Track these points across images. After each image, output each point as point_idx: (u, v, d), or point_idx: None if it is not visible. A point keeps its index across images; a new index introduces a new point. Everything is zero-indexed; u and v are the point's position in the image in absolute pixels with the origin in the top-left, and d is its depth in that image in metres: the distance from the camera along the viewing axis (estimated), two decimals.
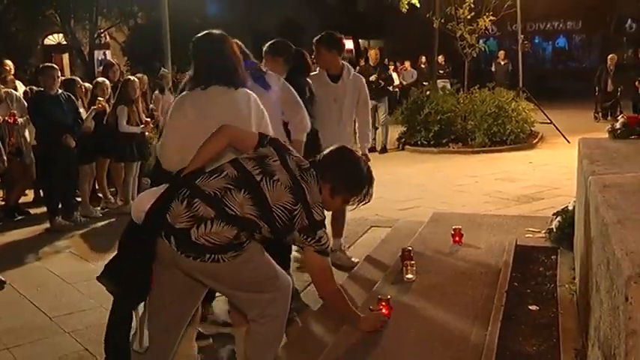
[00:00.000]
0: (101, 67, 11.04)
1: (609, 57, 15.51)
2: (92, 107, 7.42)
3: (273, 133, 3.18)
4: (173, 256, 2.53)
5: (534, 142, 11.78)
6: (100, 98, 7.44)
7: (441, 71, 17.03)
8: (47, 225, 6.88)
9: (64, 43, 20.80)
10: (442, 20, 12.55)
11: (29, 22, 18.72)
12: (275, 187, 2.58)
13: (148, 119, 7.75)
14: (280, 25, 18.98)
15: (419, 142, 11.75)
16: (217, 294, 3.75)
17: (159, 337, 2.69)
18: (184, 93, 3.23)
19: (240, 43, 3.96)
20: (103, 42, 21.31)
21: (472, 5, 11.86)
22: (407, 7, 12.59)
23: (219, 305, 4.12)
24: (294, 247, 3.99)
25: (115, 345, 2.61)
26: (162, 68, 10.25)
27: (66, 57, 22.02)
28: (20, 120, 7.01)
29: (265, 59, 4.41)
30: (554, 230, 4.50)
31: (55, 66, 7.22)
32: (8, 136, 7.00)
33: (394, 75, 14.90)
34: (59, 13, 19.05)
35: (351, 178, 2.78)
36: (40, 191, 7.97)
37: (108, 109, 7.45)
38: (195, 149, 2.88)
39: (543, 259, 4.33)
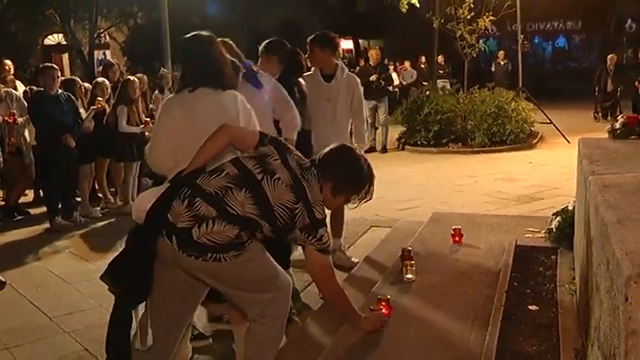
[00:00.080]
0: (101, 67, 11.04)
1: (609, 57, 15.52)
2: (91, 107, 7.42)
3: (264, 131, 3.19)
4: (174, 255, 2.54)
5: (534, 142, 11.78)
6: (99, 98, 7.44)
7: (441, 71, 17.04)
8: (47, 225, 6.88)
9: (64, 43, 20.81)
10: (442, 20, 12.55)
11: (29, 22, 18.73)
12: (276, 185, 2.58)
13: (148, 119, 7.74)
14: (280, 25, 18.95)
15: (419, 142, 11.75)
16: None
17: (160, 336, 2.69)
18: (172, 95, 3.25)
19: (231, 42, 4.03)
20: (102, 42, 21.32)
21: (472, 5, 11.86)
22: (407, 7, 12.59)
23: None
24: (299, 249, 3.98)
25: (116, 345, 2.61)
26: (162, 68, 10.23)
27: (66, 57, 22.03)
28: (20, 120, 7.02)
29: (261, 58, 4.49)
30: (554, 230, 4.50)
31: (55, 66, 7.22)
32: (8, 136, 7.01)
33: (394, 75, 14.91)
34: (59, 13, 19.05)
35: (352, 177, 2.78)
36: (40, 191, 7.97)
37: (107, 109, 7.45)
38: (186, 151, 2.91)
39: (543, 259, 4.33)
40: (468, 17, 11.93)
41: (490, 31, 16.18)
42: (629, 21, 27.01)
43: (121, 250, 2.67)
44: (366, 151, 12.77)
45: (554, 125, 12.09)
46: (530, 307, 3.53)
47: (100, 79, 7.87)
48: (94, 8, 19.29)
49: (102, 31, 20.30)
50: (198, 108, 3.07)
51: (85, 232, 6.80)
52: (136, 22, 20.26)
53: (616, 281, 1.83)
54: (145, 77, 9.49)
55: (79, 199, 7.49)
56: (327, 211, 2.85)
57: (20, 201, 7.75)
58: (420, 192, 7.99)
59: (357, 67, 16.09)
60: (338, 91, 4.97)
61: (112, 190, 8.07)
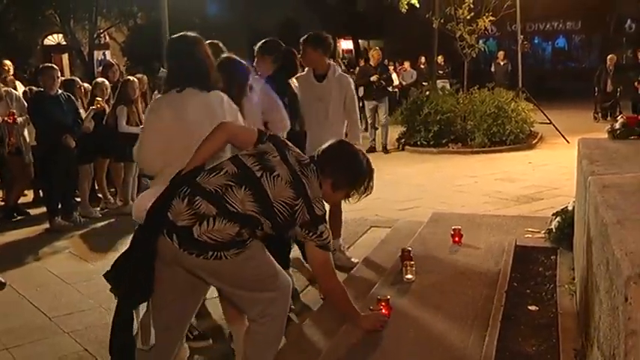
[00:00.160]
0: (101, 68, 11.03)
1: (609, 57, 15.52)
2: (91, 107, 7.42)
3: None
4: (175, 253, 2.54)
5: (534, 142, 11.78)
6: (98, 98, 7.43)
7: (441, 71, 17.04)
8: (47, 225, 6.88)
9: (64, 43, 20.83)
10: (442, 20, 12.54)
11: (29, 22, 18.74)
12: (275, 182, 2.59)
13: None
14: (280, 25, 18.98)
15: (418, 143, 11.75)
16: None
17: (161, 335, 2.70)
18: (159, 95, 3.25)
19: (220, 44, 4.12)
20: (102, 42, 21.34)
21: (472, 5, 11.85)
22: (406, 7, 12.58)
23: None
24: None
25: (120, 345, 2.62)
26: (162, 68, 10.20)
27: (65, 57, 22.04)
28: (19, 119, 7.02)
29: (256, 57, 4.57)
30: (554, 230, 4.50)
31: (54, 66, 7.21)
32: (8, 136, 7.01)
33: (394, 75, 14.90)
34: (59, 14, 19.07)
35: (352, 172, 2.79)
36: (40, 191, 7.97)
37: (107, 110, 7.45)
38: (175, 152, 2.95)
39: (543, 259, 4.33)
40: (468, 17, 11.92)
41: (490, 31, 16.17)
42: (628, 21, 27.01)
43: (123, 250, 2.67)
44: (365, 151, 12.77)
45: (553, 125, 12.09)
46: (529, 308, 3.53)
47: (99, 80, 7.87)
48: (94, 8, 19.30)
49: (102, 31, 20.32)
50: (188, 108, 3.08)
51: (84, 233, 6.80)
52: (135, 23, 20.27)
53: (616, 281, 1.83)
54: (145, 77, 9.49)
55: (78, 200, 7.49)
56: (326, 210, 2.86)
57: (20, 201, 7.75)
58: (420, 192, 7.99)
59: (357, 68, 16.11)
60: (330, 91, 4.97)
61: (111, 190, 8.07)
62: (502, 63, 18.38)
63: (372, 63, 12.03)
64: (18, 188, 7.55)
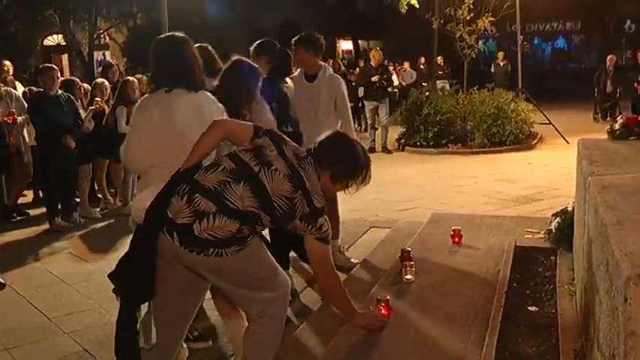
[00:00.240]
0: (100, 68, 11.04)
1: (608, 58, 15.52)
2: (90, 108, 7.41)
3: None
4: (176, 251, 2.55)
5: (533, 142, 11.78)
6: (97, 99, 7.43)
7: (440, 72, 17.04)
8: (46, 226, 6.88)
9: (64, 43, 20.82)
10: (441, 21, 12.55)
11: (29, 23, 18.75)
12: (273, 176, 2.60)
13: None
14: (280, 25, 18.97)
15: (418, 143, 11.75)
16: None
17: (162, 333, 2.71)
18: (147, 95, 3.25)
19: (208, 46, 4.15)
20: (102, 43, 21.35)
21: (471, 6, 11.85)
22: (406, 7, 12.58)
23: None
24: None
25: (125, 346, 2.62)
26: None
27: (65, 58, 22.03)
28: (19, 119, 7.02)
29: (252, 58, 4.54)
30: (554, 231, 4.50)
31: (54, 67, 7.21)
32: (8, 136, 7.01)
33: (393, 76, 14.91)
34: (59, 14, 19.07)
35: (350, 163, 2.80)
36: (40, 192, 7.97)
37: (106, 110, 7.44)
38: (164, 152, 2.98)
39: (542, 259, 4.33)
40: (468, 18, 11.93)
41: (489, 31, 16.20)
42: (628, 22, 27.03)
43: (124, 250, 2.68)
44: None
45: (553, 126, 12.09)
46: (529, 308, 3.53)
47: (99, 80, 7.87)
48: (94, 9, 19.31)
49: (101, 31, 20.33)
50: (176, 108, 3.09)
51: (84, 233, 6.80)
52: (135, 23, 20.27)
53: (615, 282, 1.83)
54: (145, 78, 9.45)
55: (78, 200, 7.49)
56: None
57: (20, 202, 7.75)
58: (420, 193, 7.99)
59: (357, 68, 16.11)
60: (319, 91, 4.98)
61: (111, 190, 8.07)
62: (502, 63, 18.38)
63: (372, 63, 12.03)
64: (17, 188, 7.55)
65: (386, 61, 13.23)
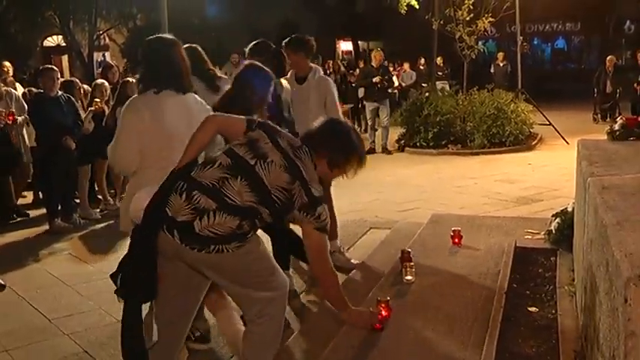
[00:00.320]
0: (100, 69, 11.04)
1: (608, 58, 15.52)
2: (89, 109, 7.41)
3: None
4: (177, 249, 2.55)
5: (533, 143, 11.78)
6: (96, 100, 7.43)
7: (440, 73, 17.04)
8: (46, 227, 6.88)
9: (64, 44, 20.82)
10: (441, 22, 12.54)
11: (28, 24, 18.75)
12: (270, 168, 2.60)
13: None
14: (280, 26, 18.97)
15: (418, 144, 11.75)
16: None
17: (164, 331, 2.72)
18: (135, 96, 3.26)
19: (198, 48, 4.21)
20: (102, 44, 21.34)
21: (471, 7, 11.85)
22: (406, 8, 12.59)
23: None
24: None
25: (131, 346, 2.63)
26: None
27: (65, 59, 22.04)
28: (19, 119, 7.02)
29: (247, 59, 4.59)
30: (554, 232, 4.50)
31: (54, 68, 7.21)
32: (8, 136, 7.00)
33: (393, 77, 14.91)
34: (58, 15, 19.06)
35: (346, 149, 2.81)
36: (40, 193, 7.97)
37: (106, 111, 7.44)
38: (152, 153, 3.02)
39: (542, 260, 4.33)
40: (467, 19, 11.93)
41: (489, 32, 16.21)
42: (627, 22, 27.04)
43: (124, 251, 2.68)
44: (365, 153, 12.66)
45: (553, 127, 12.09)
46: (529, 309, 3.53)
47: (99, 81, 7.87)
48: (94, 10, 19.30)
49: (101, 32, 20.32)
50: (165, 109, 3.11)
51: (84, 234, 6.80)
52: (135, 24, 20.27)
53: (615, 283, 1.83)
54: None
55: (78, 201, 7.49)
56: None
57: (19, 203, 7.75)
58: (420, 193, 7.99)
59: (357, 69, 16.10)
60: (308, 92, 5.01)
61: (111, 191, 8.07)
62: (501, 64, 18.38)
63: (373, 64, 12.02)
64: (16, 189, 7.55)
65: (385, 61, 13.22)
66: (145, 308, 2.68)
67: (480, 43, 12.68)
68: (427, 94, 12.98)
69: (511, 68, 17.75)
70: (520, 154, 10.92)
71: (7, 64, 8.41)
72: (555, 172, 8.76)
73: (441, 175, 9.42)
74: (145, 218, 2.59)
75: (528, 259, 4.35)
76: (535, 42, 29.59)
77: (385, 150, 11.68)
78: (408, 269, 3.88)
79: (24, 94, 7.84)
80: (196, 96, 3.29)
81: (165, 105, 3.10)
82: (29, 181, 7.98)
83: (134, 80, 7.79)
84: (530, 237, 4.80)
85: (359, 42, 28.04)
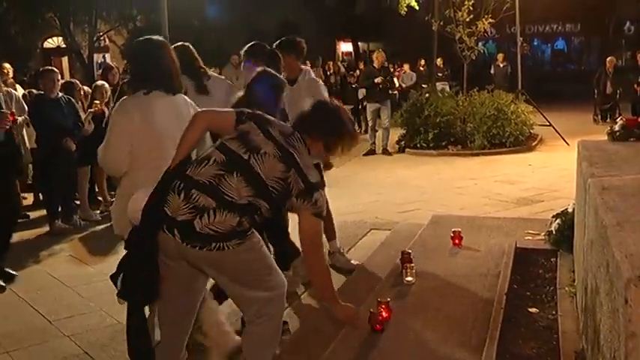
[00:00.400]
0: (100, 70, 11.04)
1: (608, 59, 15.52)
2: (89, 110, 7.41)
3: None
4: (178, 248, 2.56)
5: (533, 144, 11.78)
6: (96, 101, 7.43)
7: (440, 74, 17.04)
8: (47, 228, 6.88)
9: (64, 46, 20.79)
10: (441, 23, 12.56)
11: (28, 25, 18.72)
12: (264, 160, 2.61)
13: None
14: (279, 27, 18.96)
15: (418, 145, 11.74)
16: None
17: (167, 330, 2.73)
18: (125, 97, 3.27)
19: (190, 46, 4.22)
20: (102, 45, 21.30)
21: (471, 8, 11.85)
22: (406, 9, 12.60)
23: None
24: None
25: (137, 347, 2.64)
26: None
27: (65, 60, 22.03)
28: (19, 119, 7.02)
29: (242, 61, 4.74)
30: (554, 232, 4.51)
31: (55, 69, 7.21)
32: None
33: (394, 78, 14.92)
34: (59, 16, 19.04)
35: (339, 129, 2.82)
36: (40, 195, 7.96)
37: (106, 112, 7.44)
38: (142, 154, 3.02)
39: (543, 261, 4.34)
40: (467, 20, 11.93)
41: (489, 33, 16.20)
42: (627, 23, 27.03)
43: (124, 252, 2.69)
44: (366, 154, 12.64)
45: (553, 128, 12.09)
46: (530, 310, 3.53)
47: (99, 82, 7.88)
48: (94, 11, 19.27)
49: (101, 34, 20.29)
50: (155, 110, 3.12)
51: (84, 236, 6.80)
52: (135, 25, 20.24)
53: (616, 284, 1.83)
54: None
55: (78, 203, 7.49)
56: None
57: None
58: (420, 194, 7.99)
59: (358, 70, 16.11)
60: (299, 94, 5.02)
61: (111, 193, 8.06)
62: (501, 65, 18.38)
63: (375, 65, 12.01)
64: None
65: (385, 62, 13.22)
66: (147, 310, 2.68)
67: (479, 44, 12.71)
68: (427, 95, 12.98)
69: (511, 69, 17.74)
70: (520, 155, 10.92)
71: (7, 65, 8.40)
72: (555, 173, 8.76)
73: (441, 176, 9.42)
74: (143, 219, 2.59)
75: (529, 260, 4.36)
76: (535, 43, 29.56)
77: (385, 151, 11.67)
78: (409, 270, 3.88)
79: (24, 95, 7.84)
80: (186, 97, 3.31)
81: (155, 106, 3.12)
82: (29, 182, 7.99)
83: None
84: (530, 238, 4.80)
85: (359, 43, 28.03)
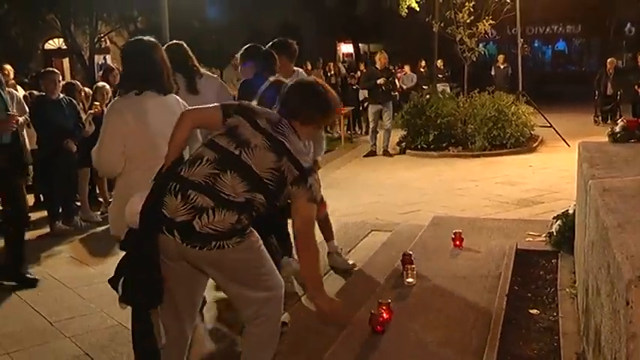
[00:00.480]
0: (101, 72, 11.05)
1: (608, 61, 15.52)
2: (89, 111, 7.42)
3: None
4: (179, 249, 2.56)
5: (534, 145, 11.77)
6: (96, 102, 7.44)
7: (441, 75, 17.05)
8: (47, 230, 6.88)
9: (65, 47, 20.80)
10: (442, 24, 12.56)
11: (29, 27, 18.74)
12: (255, 153, 2.60)
13: None
14: (280, 27, 18.97)
15: (419, 146, 11.74)
16: None
17: (172, 330, 2.74)
18: (117, 98, 3.29)
19: (184, 45, 4.28)
20: (103, 46, 21.32)
21: (472, 9, 11.86)
22: (406, 10, 12.60)
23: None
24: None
25: (143, 348, 2.64)
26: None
27: (66, 61, 22.03)
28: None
29: (239, 63, 4.90)
30: (555, 234, 4.51)
31: (56, 70, 7.21)
32: None
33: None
34: (59, 18, 19.05)
35: (321, 106, 2.83)
36: (41, 196, 7.97)
37: None
38: (136, 155, 3.02)
39: (544, 262, 4.34)
40: (468, 21, 11.94)
41: (490, 34, 16.16)
42: (628, 25, 27.02)
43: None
44: (366, 155, 12.62)
45: (554, 129, 12.08)
46: (530, 311, 3.53)
47: (100, 84, 7.88)
48: (95, 13, 19.29)
49: (102, 35, 20.30)
50: (148, 111, 3.13)
51: (85, 237, 6.79)
52: (136, 27, 20.25)
53: (617, 285, 1.83)
54: None
55: (79, 204, 7.49)
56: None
57: None
58: (421, 196, 7.99)
59: (358, 72, 16.11)
60: None
61: (112, 194, 8.05)
62: (502, 66, 18.37)
63: (378, 66, 12.00)
64: None
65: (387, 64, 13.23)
66: None
67: (480, 45, 12.69)
68: (428, 96, 12.98)
69: (512, 70, 17.74)
70: (521, 156, 10.92)
71: (8, 66, 8.40)
72: (556, 175, 8.75)
73: (441, 177, 9.42)
74: (141, 222, 2.59)
75: (529, 261, 4.36)
76: (535, 44, 29.55)
77: (386, 152, 11.67)
78: (409, 272, 3.88)
79: (25, 96, 7.84)
80: (177, 97, 3.32)
81: (148, 106, 3.13)
82: (30, 183, 7.98)
83: None
84: (531, 239, 4.81)
85: (359, 44, 28.02)
